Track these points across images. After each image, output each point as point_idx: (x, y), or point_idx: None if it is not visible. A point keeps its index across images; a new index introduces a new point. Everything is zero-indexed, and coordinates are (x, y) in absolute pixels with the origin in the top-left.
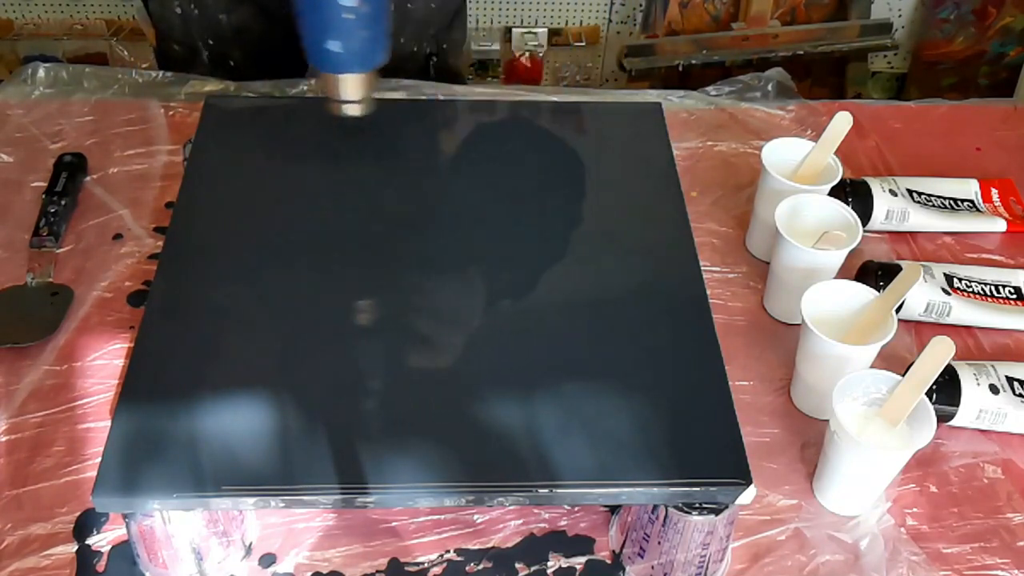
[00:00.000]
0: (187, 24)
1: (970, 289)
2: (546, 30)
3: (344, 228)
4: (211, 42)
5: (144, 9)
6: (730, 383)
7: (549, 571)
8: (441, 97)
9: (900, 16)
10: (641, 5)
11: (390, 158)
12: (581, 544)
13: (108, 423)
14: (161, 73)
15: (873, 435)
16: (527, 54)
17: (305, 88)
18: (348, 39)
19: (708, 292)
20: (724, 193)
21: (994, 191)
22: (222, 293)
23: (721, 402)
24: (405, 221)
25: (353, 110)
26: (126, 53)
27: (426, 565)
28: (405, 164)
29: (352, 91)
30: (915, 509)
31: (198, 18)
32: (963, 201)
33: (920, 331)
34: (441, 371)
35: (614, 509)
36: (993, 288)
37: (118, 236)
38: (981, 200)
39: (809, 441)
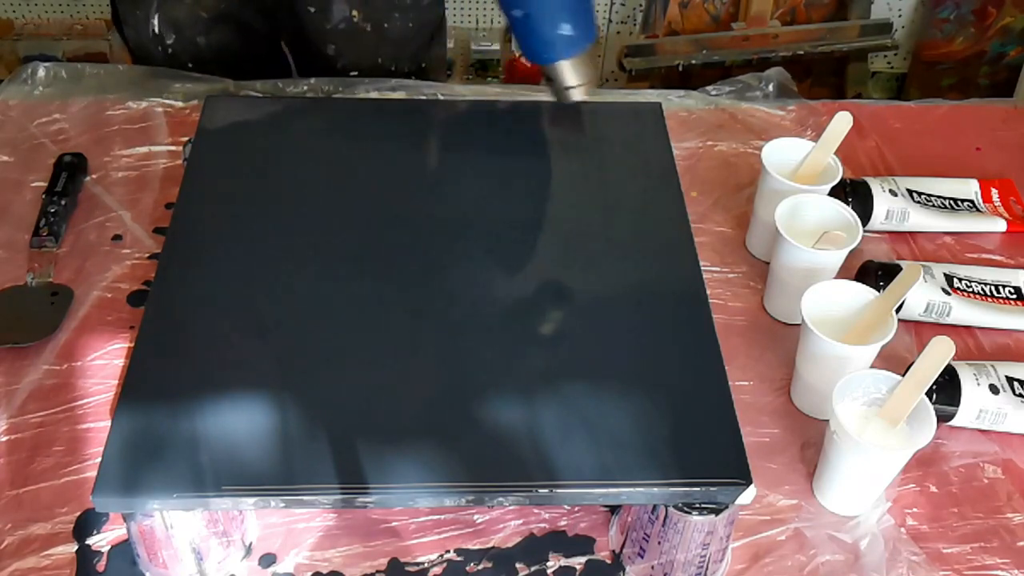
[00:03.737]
0: (164, 49)
1: (970, 289)
2: None
3: (344, 228)
4: (191, 65)
5: (120, 35)
6: (730, 383)
7: (549, 571)
8: (441, 97)
9: (900, 16)
10: (641, 5)
11: (390, 158)
12: (581, 544)
13: (108, 423)
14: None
15: (873, 435)
16: None
17: (305, 88)
18: (576, 17)
19: (708, 292)
20: (724, 193)
21: (994, 191)
22: (222, 293)
23: (721, 402)
24: (405, 221)
25: (585, 92)
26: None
27: (426, 565)
28: (405, 164)
29: (581, 73)
30: (915, 509)
31: (175, 42)
32: (963, 201)
33: (920, 331)
34: (441, 371)
35: (614, 509)
36: (993, 288)
37: (117, 237)
38: (981, 200)
39: (809, 441)
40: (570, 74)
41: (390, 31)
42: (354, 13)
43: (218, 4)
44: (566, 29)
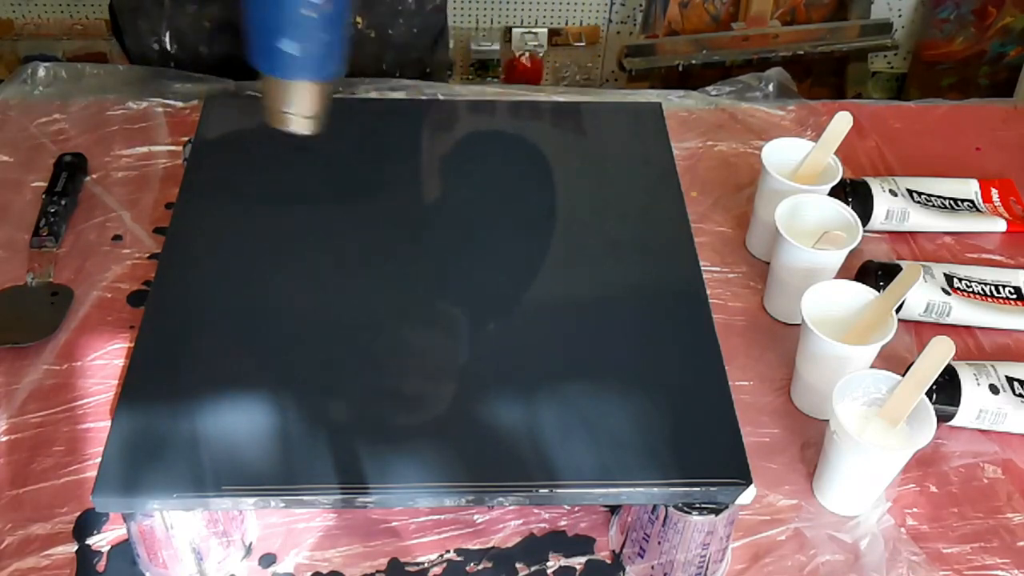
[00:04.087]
0: (166, 60)
1: (970, 289)
2: (546, 30)
3: (344, 227)
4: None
5: (120, 45)
6: (730, 383)
7: (549, 571)
8: (441, 97)
9: (900, 16)
10: (641, 5)
11: (390, 157)
12: (581, 544)
13: (108, 423)
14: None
15: (873, 435)
16: (527, 54)
17: None
18: (305, 40)
19: (708, 292)
20: (724, 193)
21: (994, 191)
22: (222, 293)
23: (721, 402)
24: (405, 220)
25: (300, 125)
26: None
27: (426, 565)
28: (405, 164)
29: (302, 103)
30: (915, 509)
31: (178, 53)
32: (963, 201)
33: (920, 331)
34: (441, 371)
35: (614, 509)
36: (993, 288)
37: (117, 237)
38: (981, 200)
39: (809, 441)
40: (287, 97)
41: (394, 37)
42: (357, 20)
43: (222, 13)
44: (290, 48)
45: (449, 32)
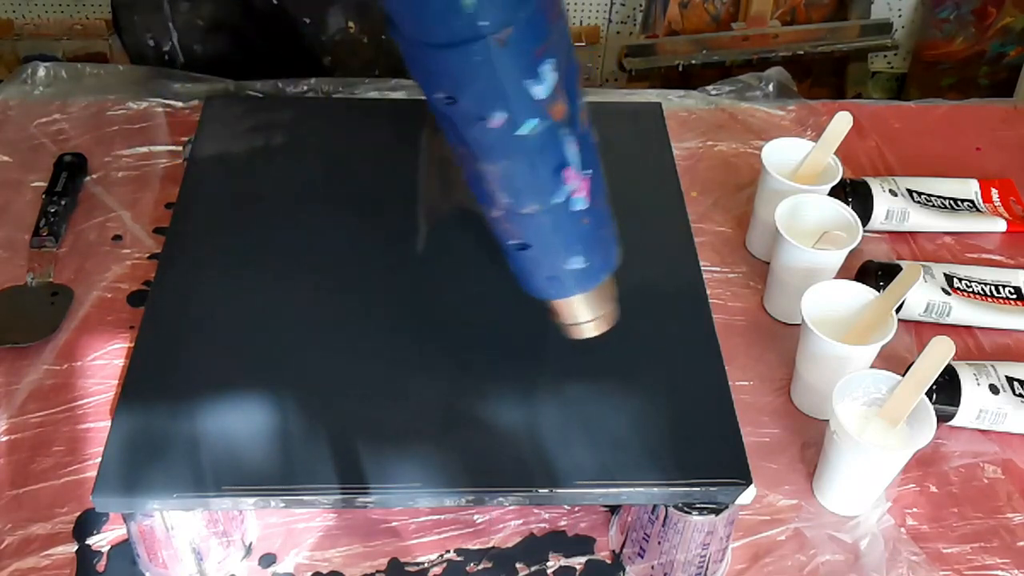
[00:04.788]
0: (161, 57)
1: (970, 289)
2: None
3: (345, 227)
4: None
5: (120, 41)
6: (730, 383)
7: (549, 571)
8: None
9: (900, 16)
10: (641, 5)
11: (391, 158)
12: (581, 544)
13: (108, 423)
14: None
15: (873, 435)
16: None
17: (305, 88)
18: (590, 248)
19: (708, 292)
20: (724, 193)
21: (994, 191)
22: (222, 293)
23: (721, 402)
24: (405, 220)
25: (593, 328)
26: None
27: (426, 565)
28: (405, 164)
29: (596, 306)
30: (915, 509)
31: (172, 50)
32: (963, 201)
33: (920, 331)
34: (441, 371)
35: (614, 509)
36: (993, 288)
37: (117, 237)
38: (981, 200)
39: (809, 441)
40: (582, 309)
41: (387, 42)
42: (350, 24)
43: (215, 12)
44: (578, 263)
45: None
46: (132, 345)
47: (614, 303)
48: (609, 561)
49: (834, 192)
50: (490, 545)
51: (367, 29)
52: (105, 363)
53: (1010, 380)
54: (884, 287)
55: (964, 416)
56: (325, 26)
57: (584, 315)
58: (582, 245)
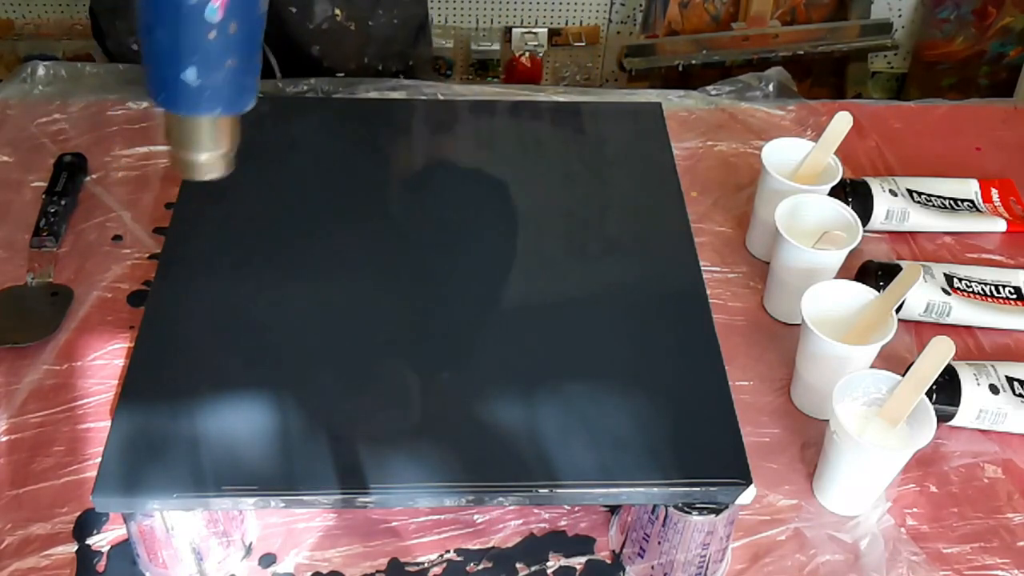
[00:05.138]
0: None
1: (970, 289)
2: (546, 30)
3: (344, 227)
4: None
5: (102, 49)
6: (730, 383)
7: (549, 571)
8: (441, 97)
9: (900, 16)
10: (641, 5)
11: (390, 158)
12: (581, 544)
13: (108, 423)
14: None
15: (873, 435)
16: (527, 54)
17: (305, 88)
18: (210, 68)
19: (708, 292)
20: (724, 193)
21: (994, 191)
22: (222, 293)
23: (721, 402)
24: (405, 221)
25: (206, 169)
26: None
27: (426, 565)
28: (405, 164)
29: (209, 140)
30: (915, 509)
31: None
32: (963, 201)
33: (920, 331)
34: (441, 371)
35: (614, 509)
36: (993, 288)
37: (118, 237)
38: (981, 200)
39: (809, 441)
40: (187, 138)
41: (374, 29)
42: (336, 12)
43: None
44: (190, 77)
45: (431, 25)
46: (132, 345)
47: (228, 155)
48: (609, 561)
49: (834, 192)
50: (490, 545)
51: (354, 16)
52: (105, 363)
53: (1010, 380)
54: (884, 287)
55: (964, 416)
56: (312, 15)
57: (188, 145)
58: (199, 58)
